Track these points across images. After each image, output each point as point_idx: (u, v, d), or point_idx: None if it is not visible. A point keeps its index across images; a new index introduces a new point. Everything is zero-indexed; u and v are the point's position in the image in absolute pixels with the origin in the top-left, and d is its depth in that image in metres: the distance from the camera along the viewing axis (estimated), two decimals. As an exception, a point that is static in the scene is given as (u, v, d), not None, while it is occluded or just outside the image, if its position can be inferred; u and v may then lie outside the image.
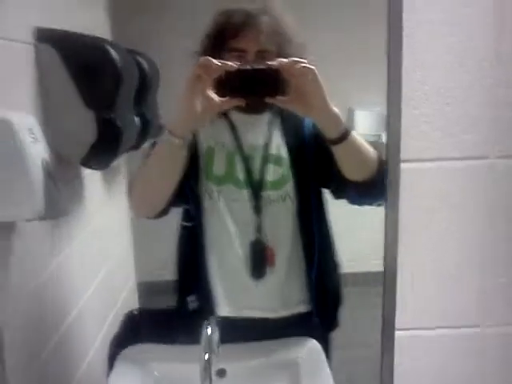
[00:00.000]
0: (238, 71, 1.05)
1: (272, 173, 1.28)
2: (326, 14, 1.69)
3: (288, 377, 1.24)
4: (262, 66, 1.06)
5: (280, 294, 1.32)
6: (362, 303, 1.56)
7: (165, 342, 1.33)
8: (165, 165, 1.17)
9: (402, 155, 0.85)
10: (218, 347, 1.05)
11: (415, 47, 0.81)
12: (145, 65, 1.59)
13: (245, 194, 1.28)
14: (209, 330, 1.03)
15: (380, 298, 0.87)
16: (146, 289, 2.04)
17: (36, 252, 1.27)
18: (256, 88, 1.06)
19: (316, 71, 1.05)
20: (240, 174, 1.28)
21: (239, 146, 1.28)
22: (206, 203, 1.29)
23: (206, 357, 1.01)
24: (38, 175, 1.08)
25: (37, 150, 1.09)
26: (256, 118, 1.29)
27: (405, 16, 0.79)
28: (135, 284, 2.08)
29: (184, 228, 1.34)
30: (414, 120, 0.83)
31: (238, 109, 1.19)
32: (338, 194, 1.29)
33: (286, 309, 1.34)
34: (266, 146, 1.28)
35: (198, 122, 1.13)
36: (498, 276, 0.87)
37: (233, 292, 1.32)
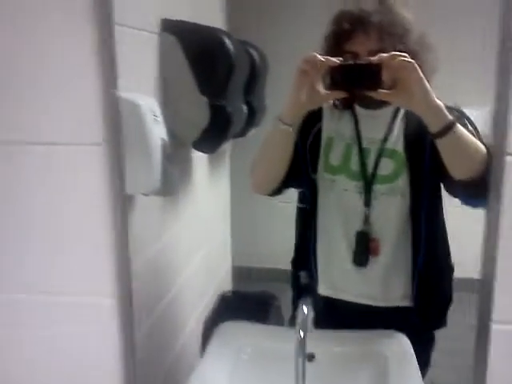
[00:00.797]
0: (341, 66, 1.11)
1: (385, 167, 1.31)
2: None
3: (375, 368, 1.26)
4: (363, 62, 1.13)
5: (381, 284, 1.35)
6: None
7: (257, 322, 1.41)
8: (275, 148, 1.27)
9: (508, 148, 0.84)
10: (311, 329, 1.09)
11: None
12: (256, 56, 1.66)
13: (356, 185, 1.32)
14: (305, 309, 1.08)
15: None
16: (240, 273, 2.11)
17: (149, 226, 1.37)
18: (358, 82, 1.12)
19: (415, 64, 1.07)
20: (354, 166, 1.32)
21: (358, 139, 1.32)
22: (320, 190, 1.36)
23: (302, 335, 1.05)
24: (157, 154, 1.18)
25: (158, 131, 1.18)
26: (378, 113, 1.31)
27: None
28: (230, 267, 2.16)
29: (299, 209, 1.43)
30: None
31: (360, 103, 1.29)
32: (451, 192, 1.27)
33: (386, 300, 1.36)
34: (384, 139, 1.31)
35: (303, 111, 1.20)
36: None
37: (334, 275, 1.39)
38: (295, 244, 1.45)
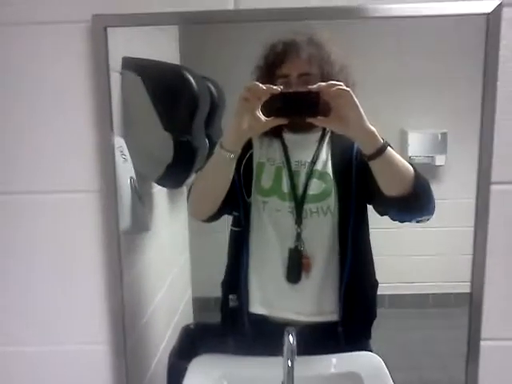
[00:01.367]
0: (282, 94, 1.16)
1: (315, 187, 1.39)
2: (384, 42, 1.75)
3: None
4: (303, 90, 1.17)
5: (314, 300, 1.42)
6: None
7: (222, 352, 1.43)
8: (216, 174, 1.32)
9: (493, 177, 0.89)
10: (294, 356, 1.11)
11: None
12: (214, 90, 1.68)
13: (288, 205, 1.39)
14: (291, 338, 1.09)
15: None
16: (201, 304, 2.10)
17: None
18: (298, 109, 1.18)
19: (351, 92, 1.15)
20: (285, 188, 1.39)
21: (287, 162, 1.40)
22: (253, 212, 1.42)
23: (289, 364, 1.07)
24: (126, 193, 1.17)
25: (126, 170, 1.18)
26: (305, 137, 1.41)
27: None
28: (191, 298, 2.14)
29: (233, 232, 1.47)
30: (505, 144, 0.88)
31: (289, 129, 1.36)
32: (379, 210, 1.37)
33: (318, 315, 1.43)
34: (313, 162, 1.39)
35: (245, 138, 1.26)
36: None
37: (269, 293, 1.44)
38: (226, 266, 1.50)
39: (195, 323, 1.89)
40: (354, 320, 1.43)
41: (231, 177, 1.32)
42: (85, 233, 0.93)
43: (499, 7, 0.95)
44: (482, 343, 0.93)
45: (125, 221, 1.17)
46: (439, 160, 1.74)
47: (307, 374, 1.28)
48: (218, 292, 1.95)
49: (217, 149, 1.27)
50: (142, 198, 1.24)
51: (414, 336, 1.75)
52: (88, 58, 0.87)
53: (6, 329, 0.99)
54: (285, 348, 1.10)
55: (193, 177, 1.62)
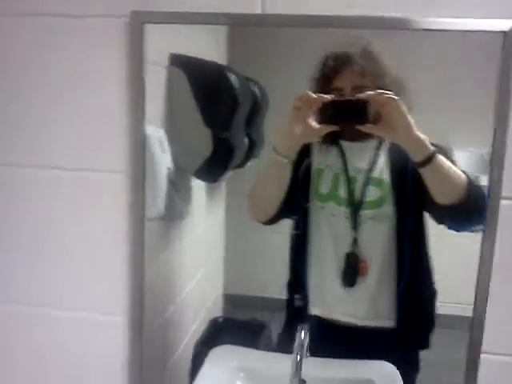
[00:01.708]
0: (332, 102, 1.21)
1: (372, 194, 1.41)
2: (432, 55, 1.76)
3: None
4: (352, 98, 1.22)
5: (369, 304, 1.44)
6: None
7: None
8: (271, 178, 1.38)
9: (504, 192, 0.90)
10: (307, 354, 1.14)
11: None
12: (257, 91, 1.72)
13: (345, 211, 1.42)
14: (302, 334, 1.12)
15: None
16: (231, 300, 2.13)
17: (152, 249, 1.41)
18: (348, 116, 1.23)
19: (398, 101, 1.18)
20: (342, 194, 1.42)
21: (345, 169, 1.43)
22: (311, 217, 1.45)
23: (298, 358, 1.10)
24: (163, 181, 1.23)
25: (164, 160, 1.24)
26: (363, 145, 1.42)
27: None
28: (222, 294, 2.18)
29: (293, 236, 1.51)
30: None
31: (346, 138, 1.39)
32: (435, 219, 1.37)
33: (373, 320, 1.44)
34: (370, 169, 1.41)
35: (299, 144, 1.31)
36: None
37: (326, 296, 1.47)
38: (290, 268, 1.53)
39: (224, 317, 1.93)
40: (410, 328, 1.44)
41: (287, 181, 1.36)
42: (114, 211, 0.99)
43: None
44: (482, 356, 0.93)
45: (159, 207, 1.22)
46: (483, 180, 1.72)
47: (320, 375, 1.32)
48: (249, 290, 1.99)
49: (271, 154, 1.32)
50: (177, 187, 1.29)
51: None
52: (126, 51, 0.93)
53: (30, 290, 1.05)
54: (296, 344, 1.12)
55: (229, 173, 1.67)
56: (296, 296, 1.50)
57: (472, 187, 1.25)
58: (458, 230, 1.33)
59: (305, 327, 1.16)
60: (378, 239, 1.43)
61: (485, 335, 0.92)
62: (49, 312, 1.06)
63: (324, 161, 1.46)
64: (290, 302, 1.52)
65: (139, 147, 0.94)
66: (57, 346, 1.07)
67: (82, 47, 0.98)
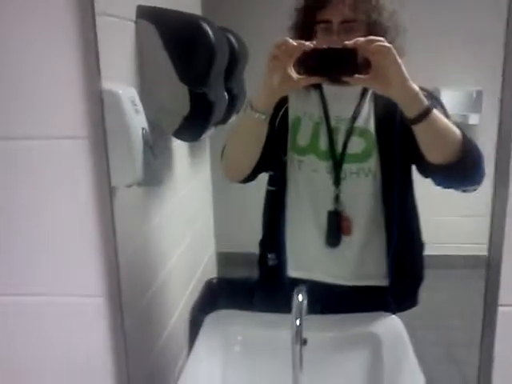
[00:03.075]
0: (315, 51, 1.08)
1: (355, 146, 1.30)
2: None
3: (369, 350, 1.27)
4: (338, 46, 1.08)
5: (354, 263, 1.36)
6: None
7: (243, 310, 1.40)
8: (247, 136, 1.25)
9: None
10: (305, 315, 1.10)
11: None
12: (235, 42, 1.63)
13: (326, 165, 1.32)
14: (300, 297, 1.07)
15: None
16: (225, 259, 2.11)
17: (132, 218, 1.36)
18: (333, 67, 1.09)
19: (392, 49, 1.06)
20: (323, 146, 1.31)
21: (326, 118, 1.31)
22: (289, 171, 1.35)
23: (298, 322, 1.05)
24: (138, 144, 1.16)
25: (138, 121, 1.16)
26: (347, 90, 1.29)
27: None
28: (214, 254, 2.16)
29: (269, 192, 1.42)
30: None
31: (330, 80, 1.23)
32: (423, 173, 1.28)
33: (359, 279, 1.37)
34: (354, 118, 1.30)
35: (276, 98, 1.18)
36: None
37: (305, 256, 1.39)
38: (263, 226, 1.45)
39: (218, 278, 1.90)
40: (402, 286, 1.37)
41: (264, 138, 1.23)
42: (77, 181, 0.91)
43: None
44: (500, 309, 0.89)
45: (136, 172, 1.15)
46: (473, 119, 1.67)
47: (321, 333, 1.27)
48: (241, 247, 1.96)
49: (246, 109, 1.19)
50: (155, 150, 1.21)
51: (440, 296, 1.72)
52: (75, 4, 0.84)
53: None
54: (293, 307, 1.06)
55: (211, 130, 1.60)
56: (269, 255, 1.41)
57: (467, 146, 1.13)
58: (446, 187, 1.23)
59: (302, 289, 1.10)
60: (362, 196, 1.33)
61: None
62: (14, 299, 1.00)
63: (302, 107, 1.33)
64: (262, 260, 1.44)
65: (96, 108, 0.86)
66: (29, 335, 1.01)
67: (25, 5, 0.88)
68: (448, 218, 1.83)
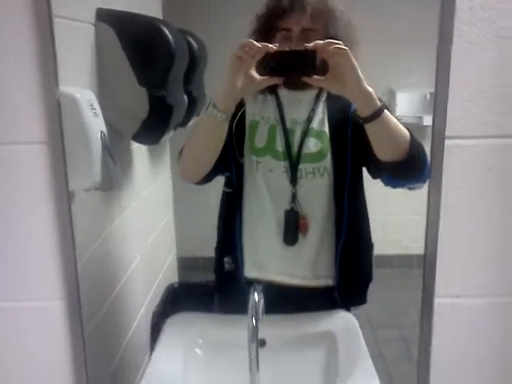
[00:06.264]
0: (277, 52, 1.11)
1: (311, 146, 1.34)
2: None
3: (325, 348, 1.28)
4: (299, 48, 1.13)
5: (310, 263, 1.38)
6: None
7: (204, 312, 1.40)
8: (207, 135, 1.25)
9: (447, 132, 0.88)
10: (263, 315, 1.10)
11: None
12: (194, 45, 1.64)
13: (282, 165, 1.34)
14: (256, 296, 1.08)
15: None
16: (185, 263, 2.10)
17: (91, 222, 1.35)
18: (293, 67, 1.12)
19: (348, 52, 1.10)
20: (279, 147, 1.34)
21: (282, 120, 1.34)
22: (247, 172, 1.36)
23: (254, 322, 1.05)
24: (97, 148, 1.15)
25: (97, 124, 1.15)
26: (302, 94, 1.35)
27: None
28: (175, 258, 2.15)
29: (225, 194, 1.42)
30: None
31: (285, 85, 1.30)
32: (373, 174, 1.33)
33: (315, 279, 1.39)
34: (309, 121, 1.34)
35: (238, 98, 1.20)
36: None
37: (263, 256, 1.40)
38: (218, 230, 1.45)
39: (179, 282, 1.89)
40: (349, 284, 1.39)
41: (224, 138, 1.25)
42: (34, 186, 0.90)
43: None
44: (436, 300, 0.94)
45: (94, 176, 1.14)
46: (427, 120, 1.70)
47: (280, 333, 1.29)
48: (203, 252, 1.95)
49: (209, 109, 1.19)
50: (114, 153, 1.20)
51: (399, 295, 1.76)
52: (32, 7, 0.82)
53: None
54: (249, 306, 1.07)
55: (170, 133, 1.60)
56: (226, 259, 1.41)
57: (414, 146, 1.19)
58: (395, 187, 1.29)
59: (257, 288, 1.11)
60: (317, 195, 1.36)
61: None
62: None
63: (259, 112, 1.36)
64: (218, 266, 1.44)
65: (54, 112, 0.85)
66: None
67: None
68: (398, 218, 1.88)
